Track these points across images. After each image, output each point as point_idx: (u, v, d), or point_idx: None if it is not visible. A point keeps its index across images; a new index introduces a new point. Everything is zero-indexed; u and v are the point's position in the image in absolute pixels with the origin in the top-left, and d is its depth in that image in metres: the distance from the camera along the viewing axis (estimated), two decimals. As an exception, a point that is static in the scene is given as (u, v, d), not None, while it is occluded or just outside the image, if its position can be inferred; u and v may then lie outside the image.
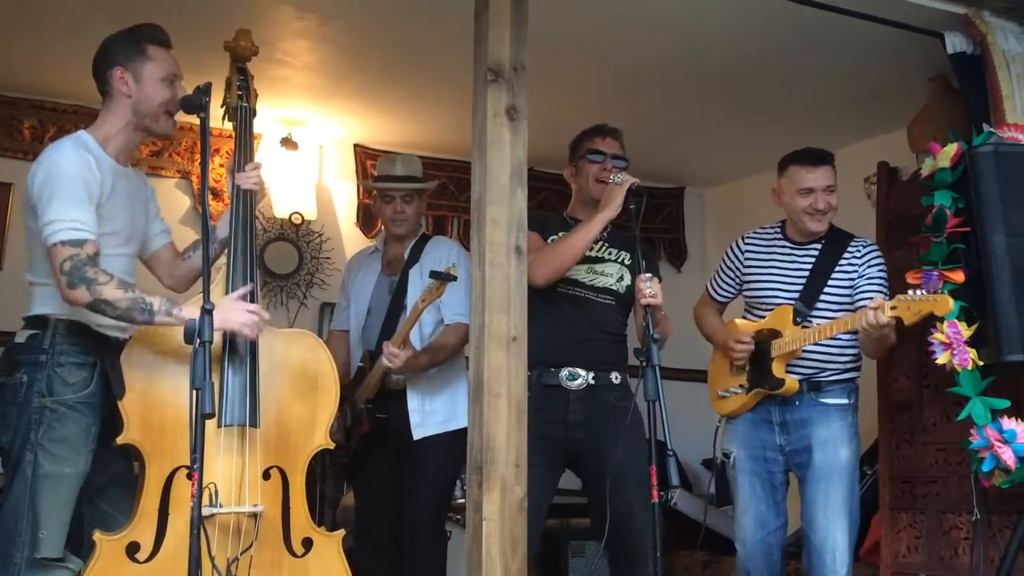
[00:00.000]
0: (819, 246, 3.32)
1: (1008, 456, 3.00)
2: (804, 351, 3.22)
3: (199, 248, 2.87)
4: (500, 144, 2.74)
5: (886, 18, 3.54)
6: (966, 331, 3.09)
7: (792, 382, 3.21)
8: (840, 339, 3.21)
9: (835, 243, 3.29)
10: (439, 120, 4.79)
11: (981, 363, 3.09)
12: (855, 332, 3.14)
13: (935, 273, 3.19)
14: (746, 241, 3.48)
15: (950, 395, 3.22)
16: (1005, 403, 3.07)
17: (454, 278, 3.22)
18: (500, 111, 2.75)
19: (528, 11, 2.83)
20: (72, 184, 2.51)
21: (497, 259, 2.70)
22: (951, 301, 2.92)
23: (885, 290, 3.24)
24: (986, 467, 3.05)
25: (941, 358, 3.12)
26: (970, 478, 3.20)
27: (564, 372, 3.18)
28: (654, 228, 5.75)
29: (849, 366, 3.29)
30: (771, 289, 3.34)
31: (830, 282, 3.26)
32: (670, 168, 5.65)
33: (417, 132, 5.01)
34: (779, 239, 3.41)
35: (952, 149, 3.23)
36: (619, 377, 3.26)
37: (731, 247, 3.50)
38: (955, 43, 3.53)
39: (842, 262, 3.27)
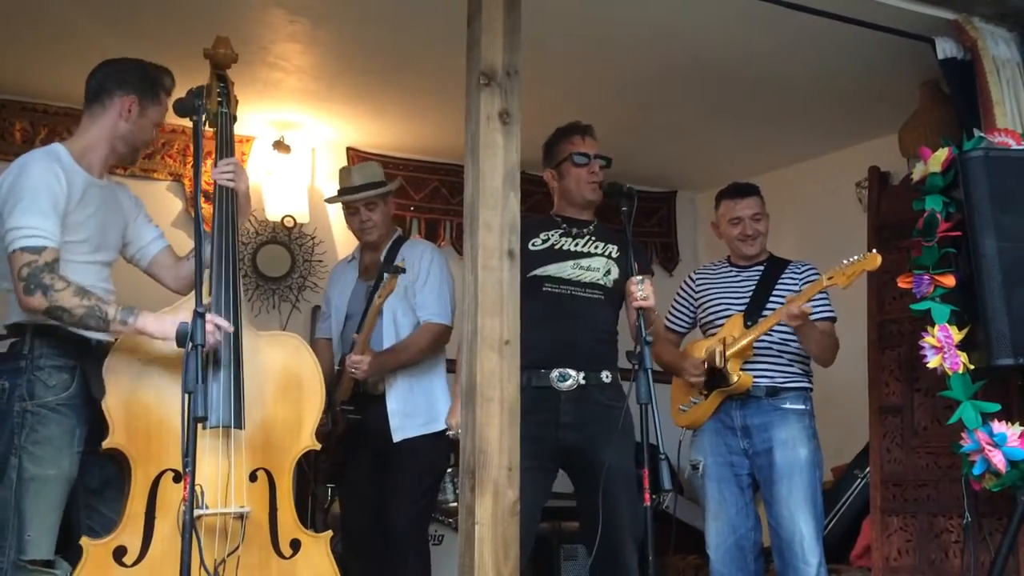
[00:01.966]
0: (762, 267, 3.59)
1: (998, 459, 3.01)
2: (760, 361, 3.43)
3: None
4: (493, 148, 2.74)
5: (877, 23, 3.56)
6: (957, 335, 3.11)
7: (745, 378, 3.39)
8: (789, 348, 3.45)
9: (775, 264, 3.61)
10: (432, 123, 4.79)
11: (972, 367, 3.10)
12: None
13: (926, 277, 3.21)
14: (696, 272, 3.80)
15: (941, 399, 3.24)
16: (995, 407, 3.08)
17: (402, 270, 3.26)
18: (493, 115, 2.75)
19: (521, 16, 2.84)
20: (36, 193, 2.55)
21: (490, 263, 2.69)
22: (879, 257, 3.13)
23: (830, 302, 3.50)
24: (977, 470, 3.06)
25: (932, 362, 3.14)
26: (961, 481, 3.20)
27: (554, 373, 3.17)
28: (646, 232, 5.75)
29: (801, 374, 3.49)
30: (721, 306, 3.58)
31: (773, 294, 3.50)
32: (662, 172, 5.66)
33: (410, 135, 5.01)
34: (725, 266, 3.71)
35: (943, 154, 3.24)
36: (610, 376, 3.24)
37: (683, 282, 3.80)
38: (946, 48, 3.54)
39: (784, 277, 3.56)
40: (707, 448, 3.50)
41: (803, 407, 3.44)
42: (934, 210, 3.23)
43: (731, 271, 3.65)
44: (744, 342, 3.38)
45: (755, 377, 3.41)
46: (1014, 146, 3.23)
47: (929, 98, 3.97)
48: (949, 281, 3.16)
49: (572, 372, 3.18)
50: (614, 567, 3.12)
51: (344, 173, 3.85)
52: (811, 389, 3.51)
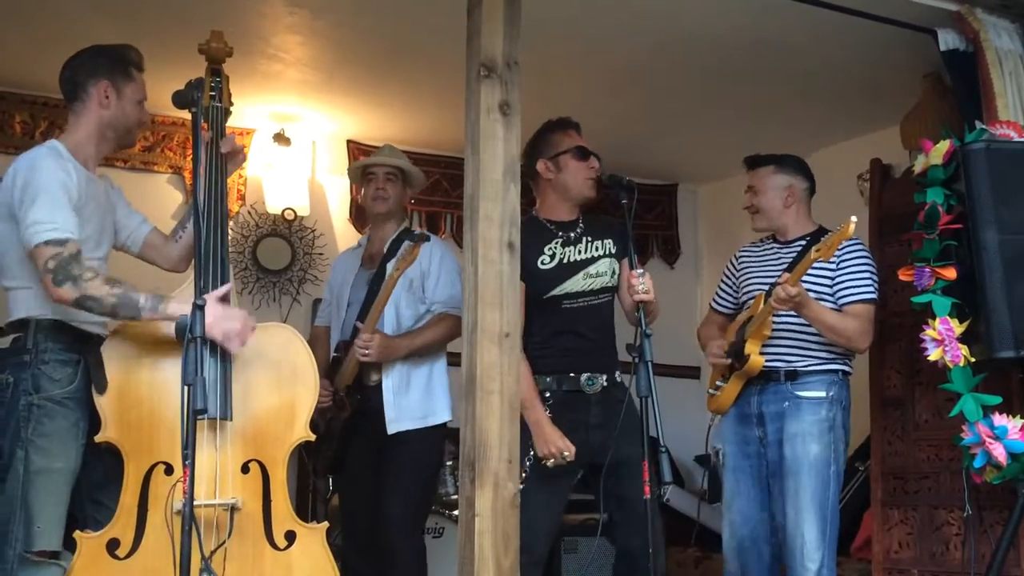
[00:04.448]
0: (803, 243, 3.41)
1: (999, 452, 3.00)
2: (780, 343, 3.30)
3: (185, 227, 2.96)
4: (493, 140, 2.73)
5: (879, 15, 3.55)
6: (958, 328, 3.10)
7: (756, 359, 3.27)
8: (811, 328, 3.27)
9: (818, 240, 3.25)
10: (432, 115, 4.78)
11: (973, 359, 3.10)
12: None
13: (927, 270, 3.20)
14: (741, 250, 3.63)
15: (942, 391, 3.23)
16: (996, 399, 3.07)
17: (427, 238, 3.26)
18: (493, 107, 2.74)
19: (521, 6, 2.83)
20: (52, 188, 2.56)
21: (490, 255, 2.69)
22: (852, 225, 2.96)
23: (869, 282, 3.29)
24: (977, 463, 3.06)
25: (933, 354, 3.13)
26: (961, 474, 3.20)
27: (584, 377, 3.19)
28: (647, 225, 5.74)
29: (828, 357, 3.31)
30: (754, 284, 3.45)
31: (807, 273, 3.25)
32: (663, 164, 5.65)
33: (410, 127, 5.00)
34: (770, 242, 3.57)
35: (944, 146, 3.23)
36: (620, 375, 3.28)
37: (729, 260, 3.64)
38: (948, 40, 3.53)
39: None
40: (727, 437, 3.44)
41: (823, 394, 3.26)
42: (935, 202, 3.22)
43: (773, 248, 3.51)
44: (760, 322, 3.25)
45: (775, 360, 3.29)
46: (1016, 138, 3.22)
47: (931, 90, 3.96)
48: (950, 274, 3.15)
49: (598, 375, 3.21)
50: (639, 559, 3.10)
51: (376, 151, 3.88)
52: (845, 372, 3.33)
